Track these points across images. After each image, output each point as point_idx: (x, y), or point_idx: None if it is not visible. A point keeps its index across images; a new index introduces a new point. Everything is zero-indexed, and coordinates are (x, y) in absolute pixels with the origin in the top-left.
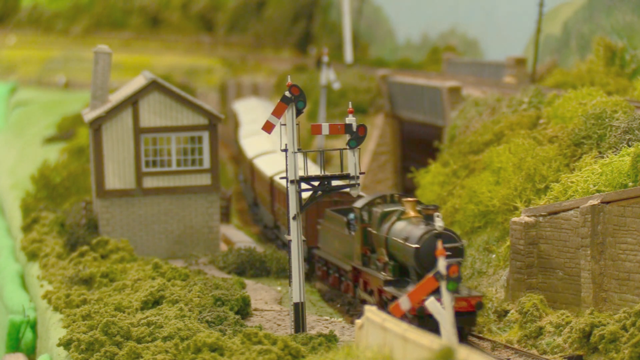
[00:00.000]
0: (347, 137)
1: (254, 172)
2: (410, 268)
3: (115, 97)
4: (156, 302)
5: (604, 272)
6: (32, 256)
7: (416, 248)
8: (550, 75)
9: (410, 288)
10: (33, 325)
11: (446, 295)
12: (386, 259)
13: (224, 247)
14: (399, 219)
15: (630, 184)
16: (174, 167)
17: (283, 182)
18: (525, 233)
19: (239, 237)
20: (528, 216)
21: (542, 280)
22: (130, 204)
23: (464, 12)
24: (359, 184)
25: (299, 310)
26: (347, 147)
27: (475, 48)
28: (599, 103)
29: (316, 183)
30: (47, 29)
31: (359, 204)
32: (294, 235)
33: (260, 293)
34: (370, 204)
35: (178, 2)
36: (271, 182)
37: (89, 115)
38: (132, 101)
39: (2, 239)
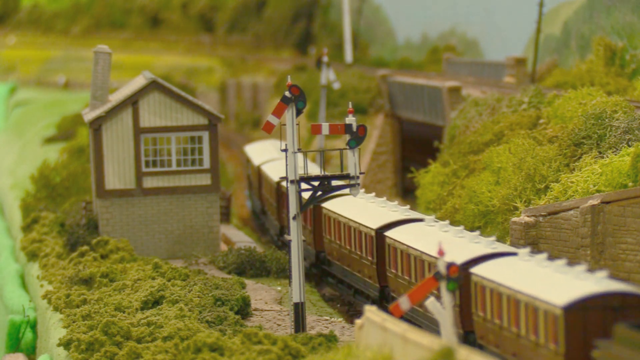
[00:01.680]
0: (347, 137)
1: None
2: None
3: (115, 97)
4: (156, 302)
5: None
6: (32, 256)
7: None
8: (550, 75)
9: None
10: (33, 325)
11: (446, 295)
12: None
13: (224, 247)
14: None
15: (630, 184)
16: (174, 167)
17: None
18: (525, 233)
19: (239, 237)
20: (528, 216)
21: None
22: (130, 204)
23: (464, 12)
24: (359, 184)
25: (299, 310)
26: (347, 147)
27: (475, 48)
28: (599, 103)
29: (316, 183)
30: (47, 29)
31: None
32: (294, 235)
33: (260, 293)
34: None
35: (178, 2)
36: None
37: (89, 115)
38: (132, 101)
39: (2, 239)
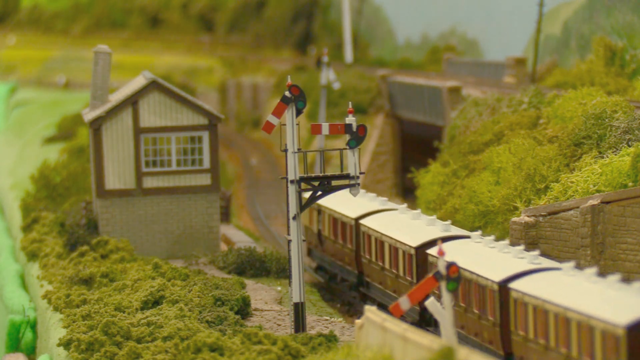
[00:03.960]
0: (347, 137)
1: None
2: None
3: (115, 97)
4: (156, 302)
5: (604, 272)
6: (32, 256)
7: None
8: (550, 75)
9: None
10: (33, 325)
11: (446, 295)
12: None
13: (224, 247)
14: None
15: (630, 184)
16: (174, 167)
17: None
18: (525, 233)
19: (239, 237)
20: (528, 216)
21: None
22: (130, 204)
23: (464, 12)
24: (359, 184)
25: (299, 310)
26: (347, 147)
27: (475, 48)
28: (599, 103)
29: (316, 183)
30: (47, 29)
31: None
32: (294, 235)
33: (260, 293)
34: None
35: (178, 2)
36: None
37: (89, 115)
38: (132, 101)
39: (2, 239)
